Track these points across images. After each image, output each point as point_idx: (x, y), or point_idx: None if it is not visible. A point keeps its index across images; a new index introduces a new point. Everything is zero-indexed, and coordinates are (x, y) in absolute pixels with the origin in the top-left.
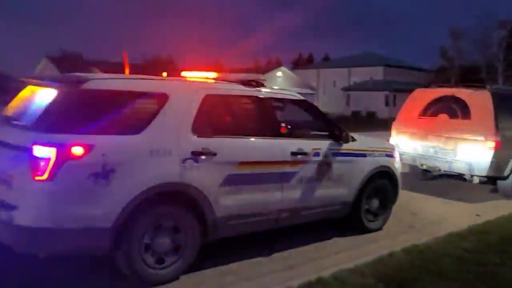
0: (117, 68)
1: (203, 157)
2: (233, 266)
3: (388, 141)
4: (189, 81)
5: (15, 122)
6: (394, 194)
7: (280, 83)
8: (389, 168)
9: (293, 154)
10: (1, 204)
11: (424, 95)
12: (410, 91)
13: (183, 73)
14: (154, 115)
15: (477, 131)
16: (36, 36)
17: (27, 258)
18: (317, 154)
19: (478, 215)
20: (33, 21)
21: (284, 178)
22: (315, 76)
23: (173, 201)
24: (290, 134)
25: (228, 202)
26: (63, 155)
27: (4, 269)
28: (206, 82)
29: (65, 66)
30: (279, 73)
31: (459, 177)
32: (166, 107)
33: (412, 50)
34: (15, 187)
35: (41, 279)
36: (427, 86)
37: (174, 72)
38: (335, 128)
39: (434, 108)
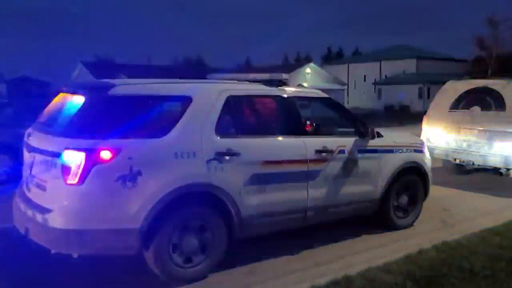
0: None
1: (227, 157)
2: (262, 264)
3: (420, 135)
4: (211, 83)
5: (47, 129)
6: (425, 190)
7: (309, 80)
8: (418, 163)
9: (318, 152)
10: (36, 207)
11: (455, 88)
12: (444, 83)
13: (209, 75)
14: (178, 117)
15: None
16: (73, 43)
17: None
18: (342, 152)
19: None
20: (71, 29)
21: (309, 176)
22: (345, 71)
23: (199, 201)
24: (314, 132)
25: (253, 201)
26: (92, 160)
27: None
28: (229, 83)
29: (99, 70)
30: (307, 70)
31: (495, 171)
32: (190, 110)
33: (446, 40)
34: (48, 191)
35: (75, 276)
36: (460, 77)
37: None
38: (360, 124)
39: (466, 101)
